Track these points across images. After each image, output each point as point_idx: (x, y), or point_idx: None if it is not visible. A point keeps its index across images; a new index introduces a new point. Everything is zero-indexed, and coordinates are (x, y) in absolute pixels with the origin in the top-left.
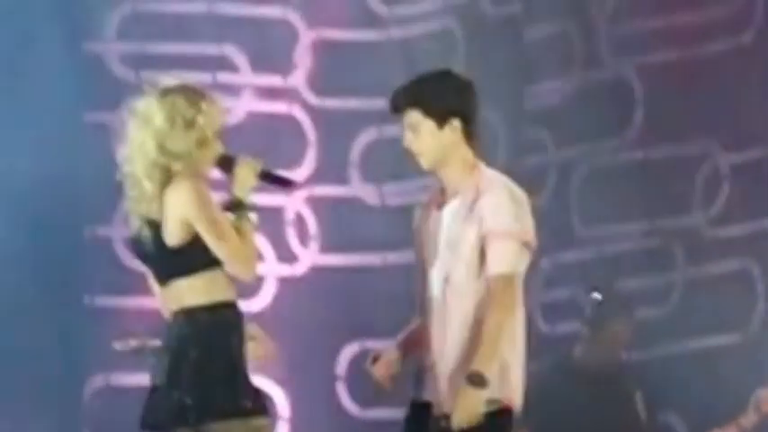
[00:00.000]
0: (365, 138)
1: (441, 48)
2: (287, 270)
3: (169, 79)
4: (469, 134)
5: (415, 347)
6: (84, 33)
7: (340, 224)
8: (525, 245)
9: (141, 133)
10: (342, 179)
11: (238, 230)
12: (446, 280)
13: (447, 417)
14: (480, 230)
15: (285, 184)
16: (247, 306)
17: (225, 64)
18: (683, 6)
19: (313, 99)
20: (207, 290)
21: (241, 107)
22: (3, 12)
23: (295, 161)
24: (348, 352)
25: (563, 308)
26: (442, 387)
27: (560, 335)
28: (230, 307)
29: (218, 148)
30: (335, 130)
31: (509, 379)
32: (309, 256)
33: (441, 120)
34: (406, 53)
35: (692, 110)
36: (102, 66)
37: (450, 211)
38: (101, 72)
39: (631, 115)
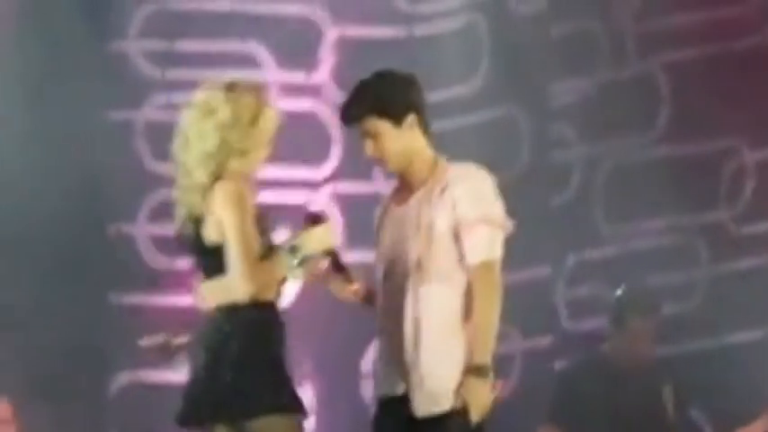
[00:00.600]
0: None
1: (466, 45)
2: None
3: (232, 75)
4: (424, 127)
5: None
6: (110, 31)
7: (364, 220)
8: (500, 228)
9: (202, 123)
10: (365, 176)
11: (271, 260)
12: (418, 265)
13: (459, 412)
14: (453, 217)
15: (338, 270)
16: None
17: (249, 61)
18: (708, 4)
19: (337, 96)
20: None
21: None
22: (30, 11)
23: (319, 158)
24: (374, 349)
25: (588, 304)
26: (420, 375)
27: (585, 331)
28: (270, 306)
29: (267, 153)
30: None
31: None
32: None
33: (396, 118)
34: (430, 50)
35: (717, 107)
36: (126, 63)
37: (418, 200)
38: (126, 70)
39: (657, 112)
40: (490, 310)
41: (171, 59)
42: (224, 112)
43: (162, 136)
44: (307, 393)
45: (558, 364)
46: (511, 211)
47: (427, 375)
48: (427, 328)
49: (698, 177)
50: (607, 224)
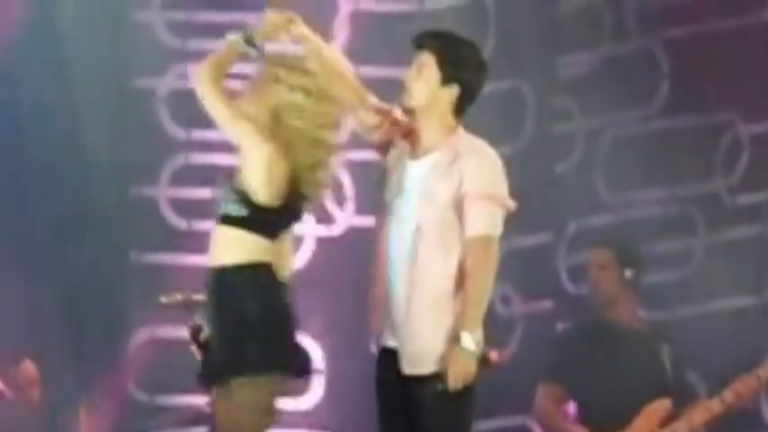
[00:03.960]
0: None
1: (473, 19)
2: (324, 231)
3: None
4: (462, 107)
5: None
6: (133, 3)
7: (375, 187)
8: (503, 207)
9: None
10: None
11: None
12: (418, 229)
13: (438, 378)
14: (459, 189)
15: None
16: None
17: None
18: None
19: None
20: (244, 249)
21: None
22: None
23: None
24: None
25: (587, 269)
26: (408, 335)
27: (586, 296)
28: (267, 268)
29: None
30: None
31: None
32: (346, 218)
33: (447, 78)
34: (440, 24)
35: (714, 82)
36: (149, 33)
37: (424, 166)
38: (149, 39)
39: (657, 86)
40: (483, 284)
41: (192, 30)
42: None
43: (182, 103)
44: (317, 351)
45: (560, 327)
46: (515, 179)
47: (415, 337)
48: (420, 292)
49: (695, 149)
50: (607, 193)
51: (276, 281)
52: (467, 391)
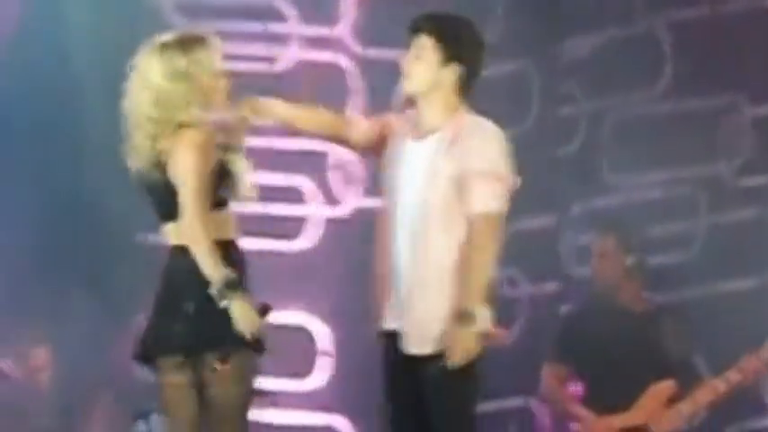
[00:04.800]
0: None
1: (479, 1)
2: (332, 212)
3: (166, 35)
4: (465, 87)
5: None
6: None
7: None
8: (506, 185)
9: (138, 87)
10: None
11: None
12: (422, 209)
13: (440, 357)
14: (462, 167)
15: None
16: (293, 245)
17: (274, 14)
18: None
19: (358, 49)
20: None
21: (289, 56)
22: None
23: (340, 108)
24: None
25: (591, 251)
26: (412, 315)
27: (589, 277)
28: (230, 244)
29: (222, 87)
30: (379, 79)
31: (486, 309)
32: (353, 200)
33: (446, 58)
34: (447, 5)
35: (718, 64)
36: (158, 15)
37: (428, 146)
38: (157, 21)
39: (660, 69)
40: (485, 262)
41: (200, 11)
42: (155, 76)
43: None
44: (324, 332)
45: (564, 309)
46: (520, 161)
47: (419, 317)
48: (424, 271)
49: (699, 131)
50: (611, 175)
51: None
52: (471, 369)
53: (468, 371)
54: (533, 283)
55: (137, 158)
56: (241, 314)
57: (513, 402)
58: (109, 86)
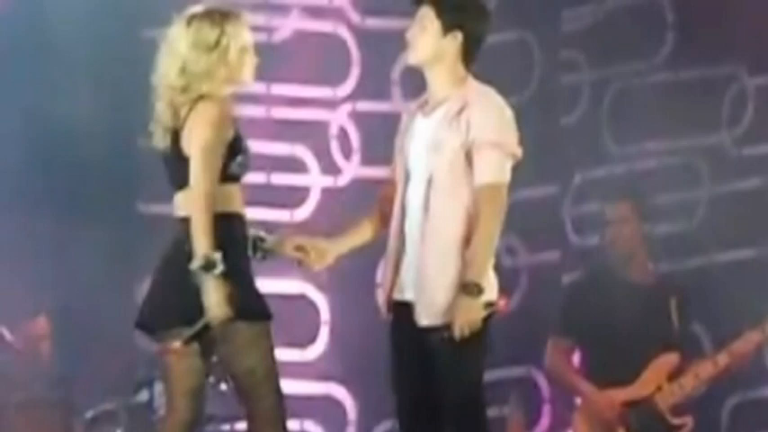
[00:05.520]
0: (406, 57)
1: None
2: (330, 181)
3: (197, 6)
4: (469, 54)
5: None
6: None
7: (381, 138)
8: (511, 156)
9: (167, 59)
10: (383, 95)
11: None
12: (429, 182)
13: (446, 327)
14: (467, 138)
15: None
16: (292, 216)
17: None
18: None
19: (357, 19)
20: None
21: (289, 26)
22: None
23: (339, 78)
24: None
25: (593, 221)
26: (422, 287)
27: (590, 247)
28: (236, 216)
29: (249, 63)
30: (378, 48)
31: (492, 278)
32: (352, 169)
33: (447, 26)
34: None
35: (720, 34)
36: None
37: (436, 118)
38: None
39: (662, 38)
40: (491, 232)
41: None
42: (183, 46)
43: None
44: (323, 305)
45: (566, 278)
46: (521, 131)
47: (429, 288)
48: (433, 242)
49: (700, 101)
50: (612, 145)
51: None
52: (478, 339)
53: (476, 341)
54: (534, 253)
55: (157, 127)
56: (212, 297)
57: (514, 372)
58: (108, 54)
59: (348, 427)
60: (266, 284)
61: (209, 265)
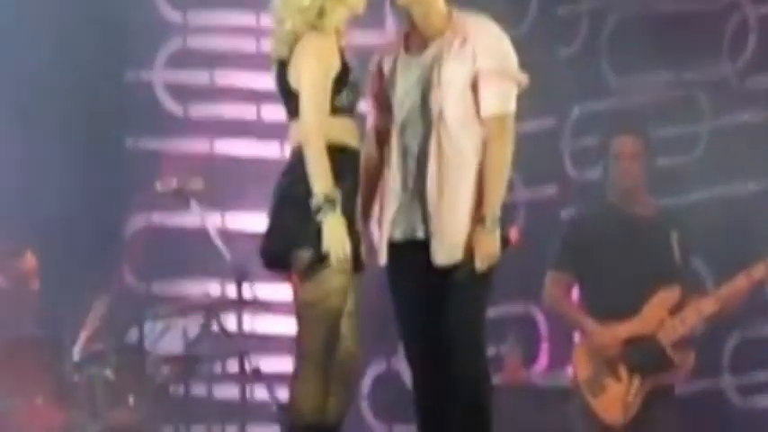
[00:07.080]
0: None
1: None
2: None
3: None
4: None
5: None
6: None
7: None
8: (516, 82)
9: None
10: (378, 26)
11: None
12: (440, 116)
13: (463, 264)
14: (473, 69)
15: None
16: None
17: None
18: None
19: None
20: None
21: None
22: None
23: None
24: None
25: (592, 154)
26: (440, 223)
27: (589, 180)
28: (345, 150)
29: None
30: None
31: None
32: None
33: None
34: None
35: None
36: None
37: (436, 51)
38: None
39: None
40: (502, 163)
41: None
42: None
43: None
44: None
45: (564, 213)
46: (519, 63)
47: (447, 224)
48: (449, 177)
49: (702, 32)
50: (612, 77)
51: None
52: (490, 274)
53: (487, 276)
54: (531, 187)
55: (278, 50)
56: (332, 234)
57: (513, 308)
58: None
59: None
60: None
61: (329, 202)
